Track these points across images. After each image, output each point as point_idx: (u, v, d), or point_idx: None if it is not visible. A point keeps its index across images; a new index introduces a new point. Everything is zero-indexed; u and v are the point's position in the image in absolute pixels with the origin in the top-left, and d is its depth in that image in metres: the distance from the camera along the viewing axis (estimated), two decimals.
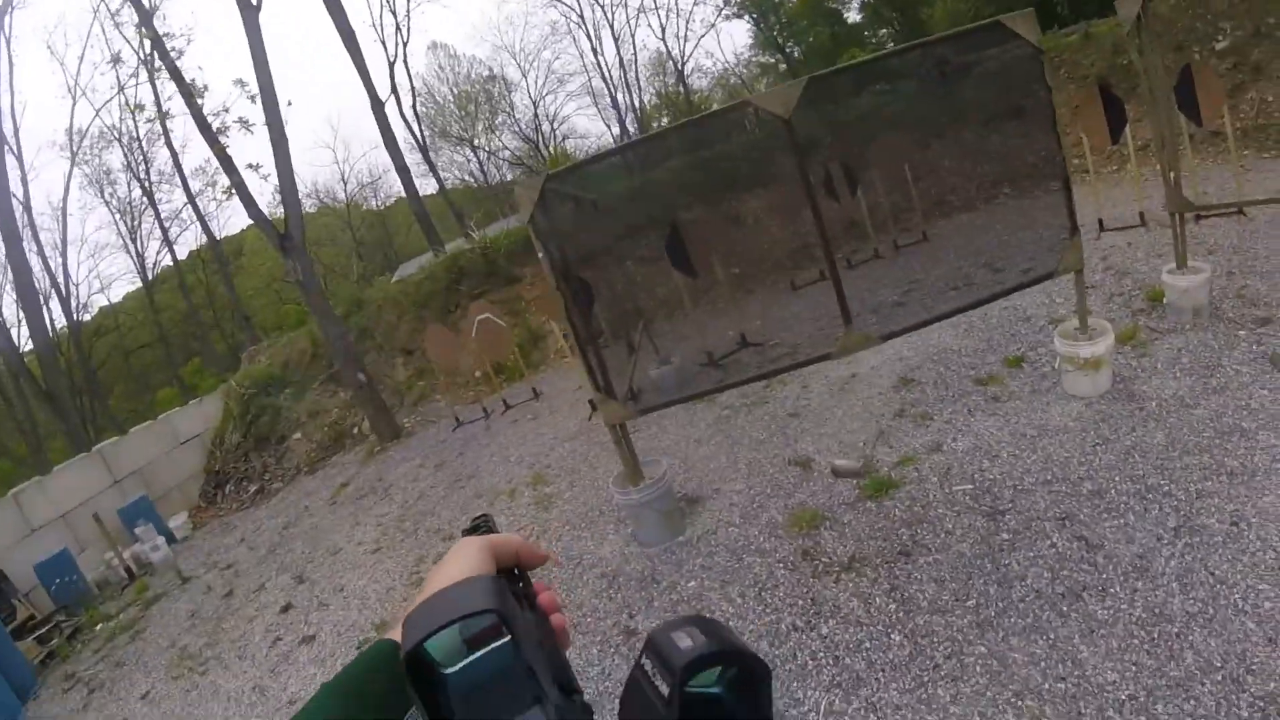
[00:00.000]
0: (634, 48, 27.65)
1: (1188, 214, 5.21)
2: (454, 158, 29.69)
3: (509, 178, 29.39)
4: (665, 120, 28.39)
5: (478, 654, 0.44)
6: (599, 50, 27.43)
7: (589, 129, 31.68)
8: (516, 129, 29.36)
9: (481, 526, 0.67)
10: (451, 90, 28.69)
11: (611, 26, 27.14)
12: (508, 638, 0.44)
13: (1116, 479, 3.87)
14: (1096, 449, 4.18)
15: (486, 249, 13.79)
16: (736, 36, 43.32)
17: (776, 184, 11.45)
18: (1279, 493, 3.33)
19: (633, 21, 27.27)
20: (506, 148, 29.42)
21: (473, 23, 38.37)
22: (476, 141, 29.01)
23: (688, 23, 28.08)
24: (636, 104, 29.32)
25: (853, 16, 32.91)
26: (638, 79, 27.93)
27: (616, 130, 28.03)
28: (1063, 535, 3.59)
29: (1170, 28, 11.19)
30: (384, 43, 23.15)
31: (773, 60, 30.98)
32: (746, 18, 29.42)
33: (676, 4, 28.18)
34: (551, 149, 29.40)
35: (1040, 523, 3.74)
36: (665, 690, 0.44)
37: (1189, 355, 4.87)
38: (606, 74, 27.52)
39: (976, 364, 5.82)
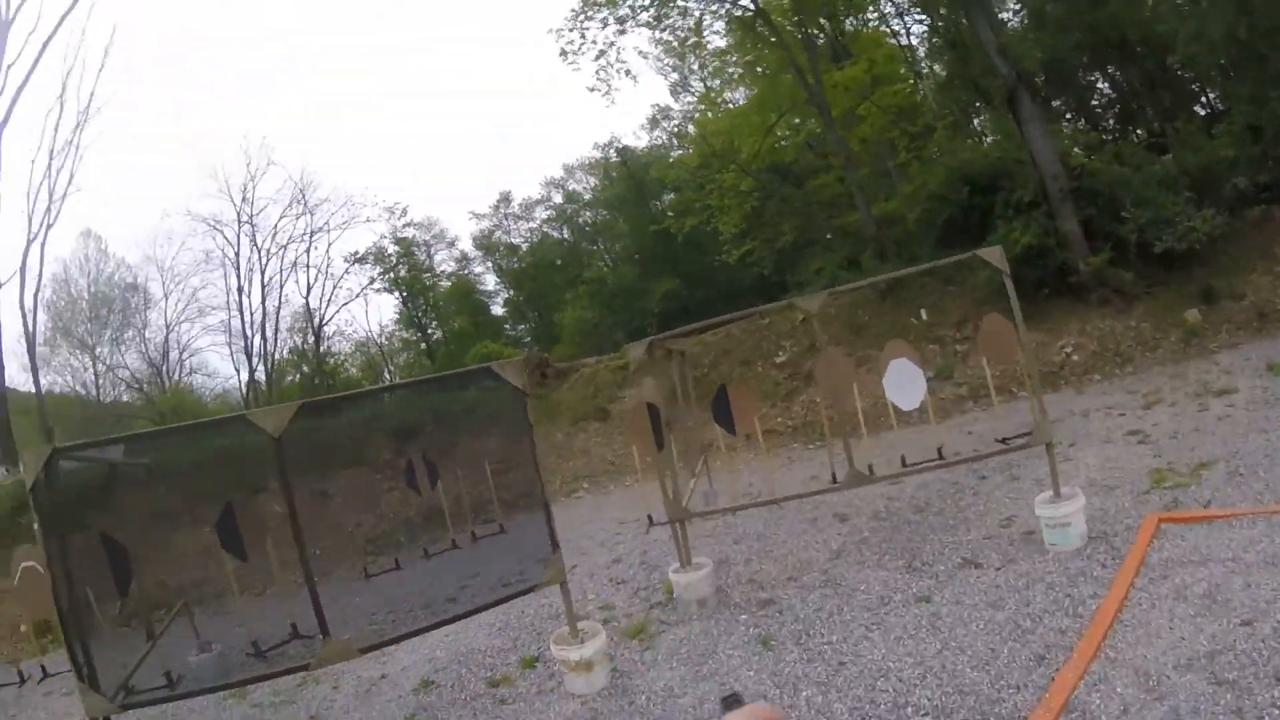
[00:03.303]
0: (279, 299, 26.96)
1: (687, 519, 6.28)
2: (70, 361, 24.39)
3: (124, 399, 24.67)
4: (298, 376, 27.18)
5: None
6: (245, 291, 26.15)
7: (219, 369, 28.71)
8: (143, 350, 25.51)
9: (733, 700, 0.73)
10: (90, 287, 24.57)
11: (263, 273, 26.37)
12: None
13: None
14: None
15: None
16: (385, 309, 45.82)
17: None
18: None
19: (285, 273, 26.86)
20: (126, 367, 25.10)
21: (132, 225, 34.34)
22: (99, 350, 24.36)
23: (334, 287, 28.59)
24: (274, 354, 27.83)
25: (497, 309, 36.52)
26: (275, 331, 26.85)
27: (245, 375, 25.93)
28: None
29: (740, 345, 14.18)
30: (30, 216, 19.30)
31: (415, 338, 32.71)
32: (396, 294, 31.14)
33: (328, 268, 28.77)
34: (174, 380, 25.83)
35: None
36: None
37: (688, 645, 5.17)
38: (250, 317, 26.05)
39: (496, 664, 5.85)
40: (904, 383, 8.09)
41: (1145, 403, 8.24)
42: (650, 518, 9.34)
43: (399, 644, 5.43)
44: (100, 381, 24.91)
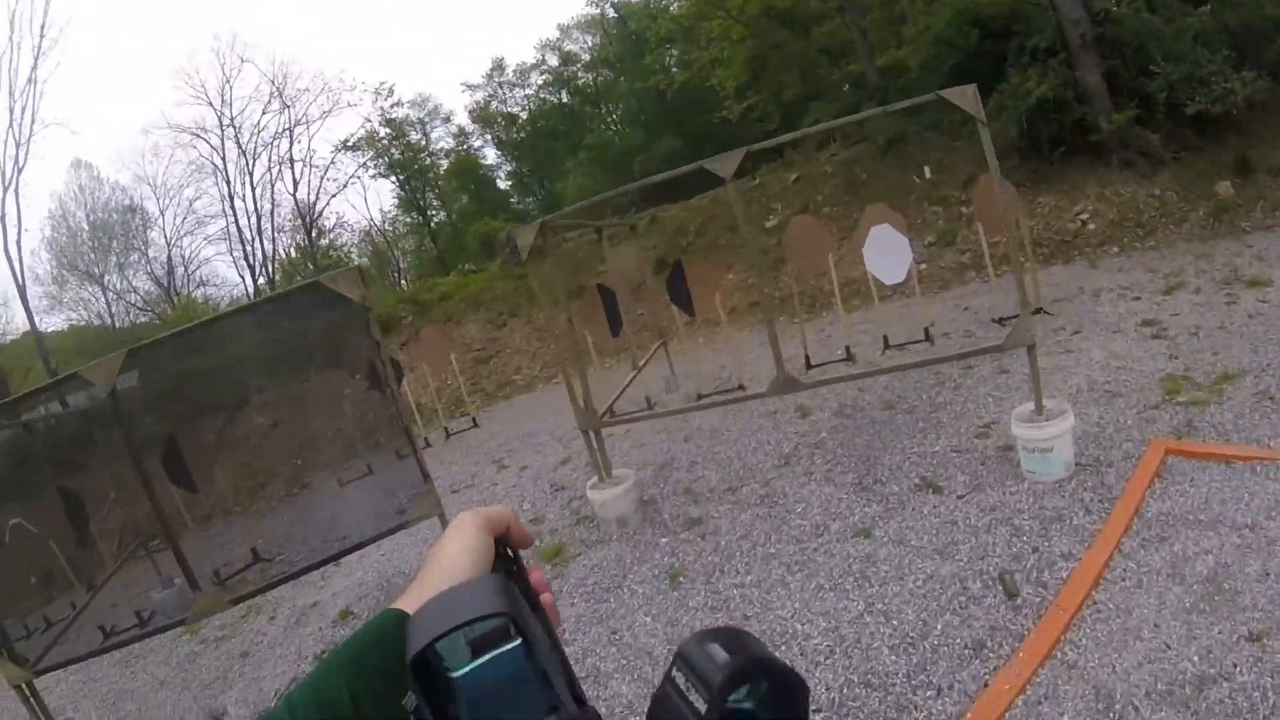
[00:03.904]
0: (272, 200, 25.54)
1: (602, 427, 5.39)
2: (80, 294, 24.01)
3: (139, 322, 24.43)
4: (302, 276, 26.27)
5: (486, 657, 0.40)
6: (238, 195, 24.85)
7: (228, 277, 28.04)
8: (149, 271, 24.86)
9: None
10: (88, 216, 23.63)
11: (251, 175, 24.83)
12: (518, 641, 0.41)
13: None
14: None
15: None
16: (385, 196, 43.78)
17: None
18: None
19: (274, 171, 25.28)
20: (135, 290, 24.55)
21: (116, 148, 32.60)
22: (107, 279, 23.86)
23: (322, 179, 26.91)
24: (279, 255, 26.89)
25: (503, 184, 34.70)
26: (273, 232, 25.66)
27: (251, 284, 25.17)
28: None
29: (727, 210, 12.12)
30: (1, 164, 18.27)
31: (418, 221, 31.19)
32: (393, 178, 29.34)
33: (311, 159, 26.97)
34: (184, 295, 25.34)
35: None
36: (701, 705, 0.42)
37: (598, 574, 4.50)
38: (248, 221, 24.91)
39: None
40: (887, 253, 6.79)
41: (1165, 285, 6.86)
42: (611, 410, 8.56)
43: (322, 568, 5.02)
44: (113, 309, 24.52)
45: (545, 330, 14.07)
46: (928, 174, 10.10)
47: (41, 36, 18.89)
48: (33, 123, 19.16)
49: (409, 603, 0.51)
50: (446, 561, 0.53)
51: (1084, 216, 9.30)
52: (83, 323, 24.60)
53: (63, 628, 4.78)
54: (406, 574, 5.74)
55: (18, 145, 18.92)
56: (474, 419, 10.69)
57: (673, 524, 4.89)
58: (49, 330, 24.10)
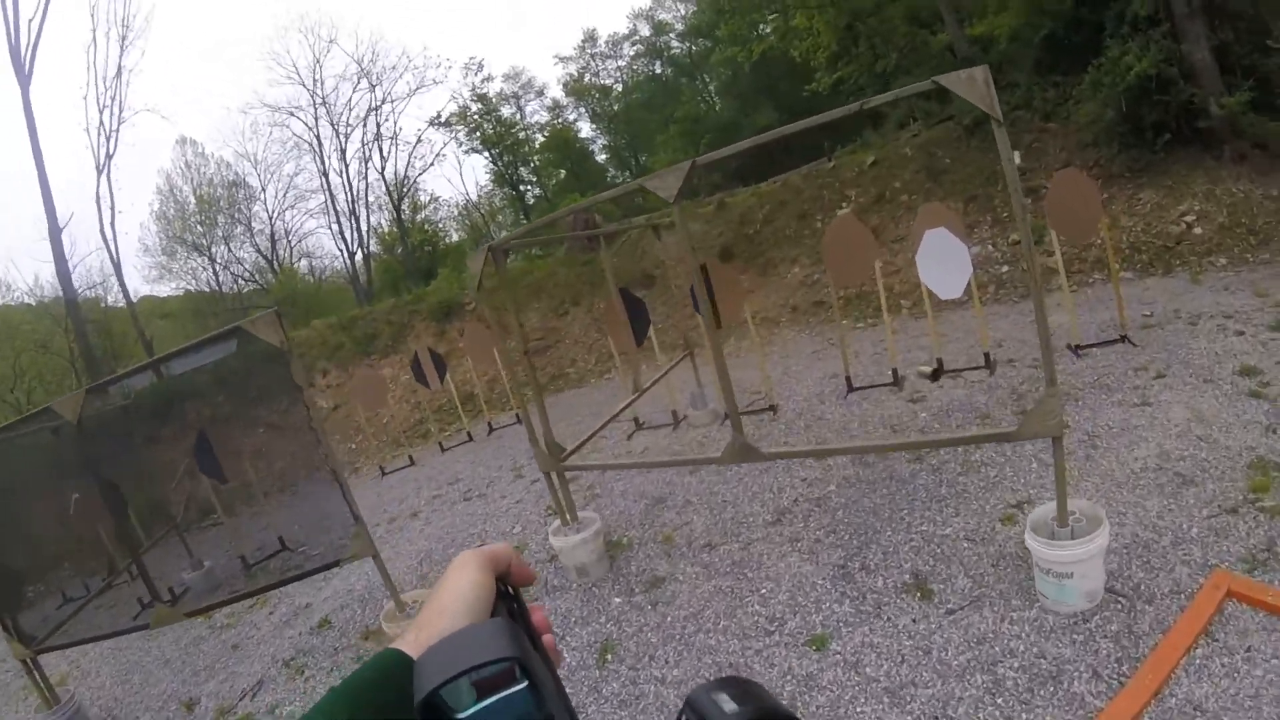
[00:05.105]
0: (365, 176, 26.52)
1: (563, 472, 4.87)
2: (188, 264, 26.26)
3: (244, 290, 26.41)
4: (400, 249, 27.20)
5: (492, 699, 0.41)
6: (338, 171, 26.00)
7: (329, 248, 29.69)
8: (253, 243, 26.70)
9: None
10: (195, 191, 25.60)
11: (343, 152, 25.85)
12: (524, 684, 0.41)
13: None
14: None
15: None
16: (480, 171, 44.53)
17: None
18: None
19: (366, 148, 26.20)
20: (239, 261, 26.47)
21: (216, 126, 35.29)
22: (214, 250, 25.93)
23: (410, 156, 27.56)
24: (378, 228, 28.01)
25: (599, 156, 34.41)
26: (366, 208, 26.66)
27: (347, 258, 26.38)
28: None
29: (798, 196, 11.80)
30: (95, 151, 19.94)
31: (512, 195, 31.42)
32: (485, 153, 29.61)
33: (398, 136, 27.67)
34: (284, 265, 27.00)
35: None
36: None
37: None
38: (347, 195, 26.09)
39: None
40: (943, 262, 5.77)
41: (1276, 318, 5.39)
42: (636, 420, 8.04)
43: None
44: (220, 277, 26.28)
45: (603, 319, 13.74)
46: (1017, 159, 8.62)
47: (125, 28, 19.82)
48: (121, 111, 20.10)
49: (409, 644, 0.52)
50: (447, 601, 0.54)
51: (1189, 219, 7.70)
52: (194, 290, 26.44)
53: (73, 611, 5.15)
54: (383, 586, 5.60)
55: (107, 136, 20.02)
56: (518, 415, 10.49)
57: (634, 581, 4.33)
58: (162, 295, 26.27)
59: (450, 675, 0.40)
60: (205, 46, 40.65)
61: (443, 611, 0.52)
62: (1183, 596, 2.70)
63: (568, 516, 4.54)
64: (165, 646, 5.86)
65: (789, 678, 2.95)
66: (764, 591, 3.72)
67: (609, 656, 3.57)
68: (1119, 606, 2.76)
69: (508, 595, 0.57)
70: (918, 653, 2.86)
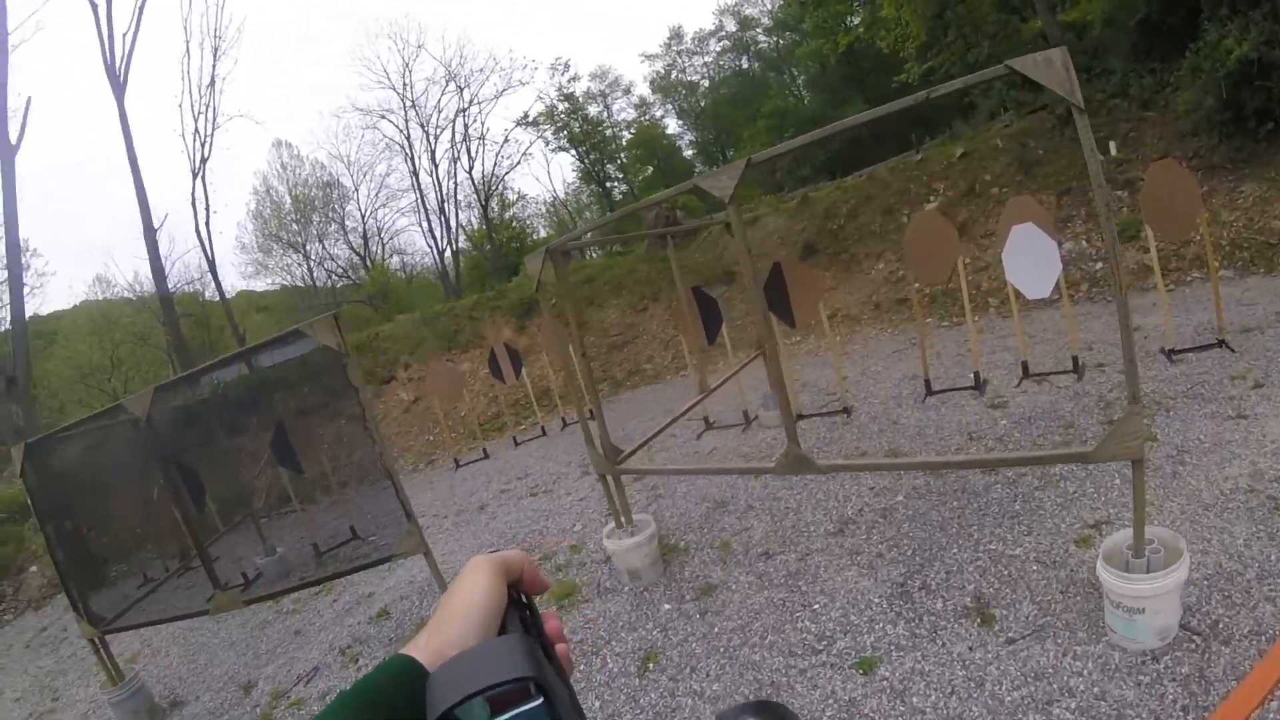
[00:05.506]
0: (454, 176, 27.54)
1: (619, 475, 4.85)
2: (284, 261, 28.27)
3: (337, 286, 28.15)
4: (488, 246, 28.09)
5: (507, 715, 0.40)
6: (428, 171, 27.13)
7: (421, 246, 31.12)
8: (346, 240, 28.36)
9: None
10: (290, 191, 27.48)
11: (432, 153, 26.92)
12: (539, 700, 0.40)
13: None
14: None
15: None
16: (567, 169, 45.14)
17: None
18: None
19: (456, 148, 27.21)
20: (332, 258, 28.18)
21: (310, 129, 37.82)
22: (308, 247, 27.77)
23: (497, 155, 28.26)
24: (466, 226, 29.04)
25: (687, 153, 34.32)
26: (455, 207, 27.68)
27: (437, 256, 27.51)
28: None
29: (885, 190, 11.42)
30: (191, 155, 21.60)
31: (599, 192, 31.76)
32: (572, 152, 30.10)
33: (485, 135, 28.49)
34: (376, 261, 28.47)
35: None
36: None
37: (590, 630, 4.12)
38: (437, 196, 27.25)
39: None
40: (1031, 259, 5.37)
41: None
42: (707, 420, 7.97)
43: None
44: (314, 273, 27.85)
45: (678, 314, 13.67)
46: (1113, 151, 7.91)
47: (218, 39, 20.96)
48: (215, 117, 21.37)
49: (420, 649, 0.50)
50: (459, 607, 0.53)
51: None
52: (290, 285, 28.07)
53: (142, 594, 5.40)
54: (447, 581, 5.76)
55: (202, 142, 21.31)
56: (591, 410, 10.62)
57: (686, 587, 4.27)
58: (259, 290, 28.02)
59: (465, 695, 0.40)
60: (295, 51, 43.41)
61: (454, 617, 0.52)
62: (1263, 639, 2.39)
63: (622, 519, 4.55)
64: (232, 629, 6.15)
65: (830, 702, 2.83)
66: (816, 607, 3.58)
67: (650, 665, 3.54)
68: (1192, 646, 2.47)
69: (520, 602, 0.57)
70: (970, 684, 2.67)
